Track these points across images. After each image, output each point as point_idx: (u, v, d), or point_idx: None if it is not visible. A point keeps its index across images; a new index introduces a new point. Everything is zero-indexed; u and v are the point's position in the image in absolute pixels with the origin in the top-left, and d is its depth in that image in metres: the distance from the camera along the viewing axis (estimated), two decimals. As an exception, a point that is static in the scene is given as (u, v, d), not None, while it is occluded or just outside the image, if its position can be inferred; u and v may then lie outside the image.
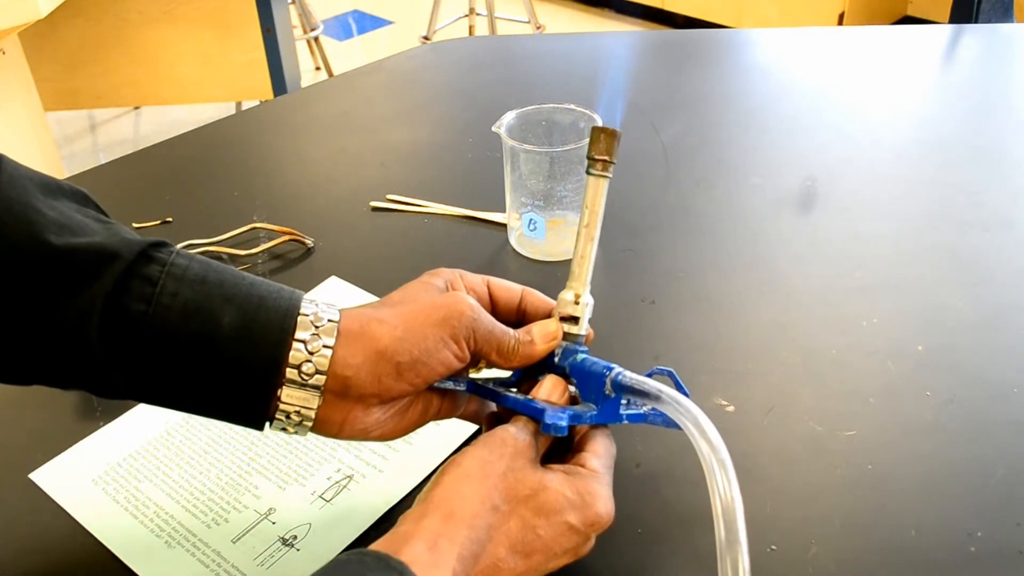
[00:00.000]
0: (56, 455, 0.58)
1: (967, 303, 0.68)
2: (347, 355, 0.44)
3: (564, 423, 0.45)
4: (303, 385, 0.44)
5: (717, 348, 0.65)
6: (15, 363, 0.43)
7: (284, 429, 0.46)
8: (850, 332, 0.65)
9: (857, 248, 0.75)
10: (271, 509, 0.54)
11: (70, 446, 0.58)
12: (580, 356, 0.49)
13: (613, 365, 0.48)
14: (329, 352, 0.44)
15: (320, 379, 0.44)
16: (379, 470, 0.56)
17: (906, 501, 0.52)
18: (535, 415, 0.46)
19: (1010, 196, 0.82)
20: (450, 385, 0.49)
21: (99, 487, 0.55)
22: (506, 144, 0.72)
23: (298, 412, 0.45)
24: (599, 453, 0.47)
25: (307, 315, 0.44)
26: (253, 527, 0.52)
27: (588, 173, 0.49)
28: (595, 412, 0.47)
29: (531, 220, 0.73)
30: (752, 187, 0.85)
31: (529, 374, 0.51)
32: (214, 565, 0.50)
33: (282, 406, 0.44)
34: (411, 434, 0.49)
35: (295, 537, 0.52)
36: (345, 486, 0.55)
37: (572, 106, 0.74)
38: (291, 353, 0.43)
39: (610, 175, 0.49)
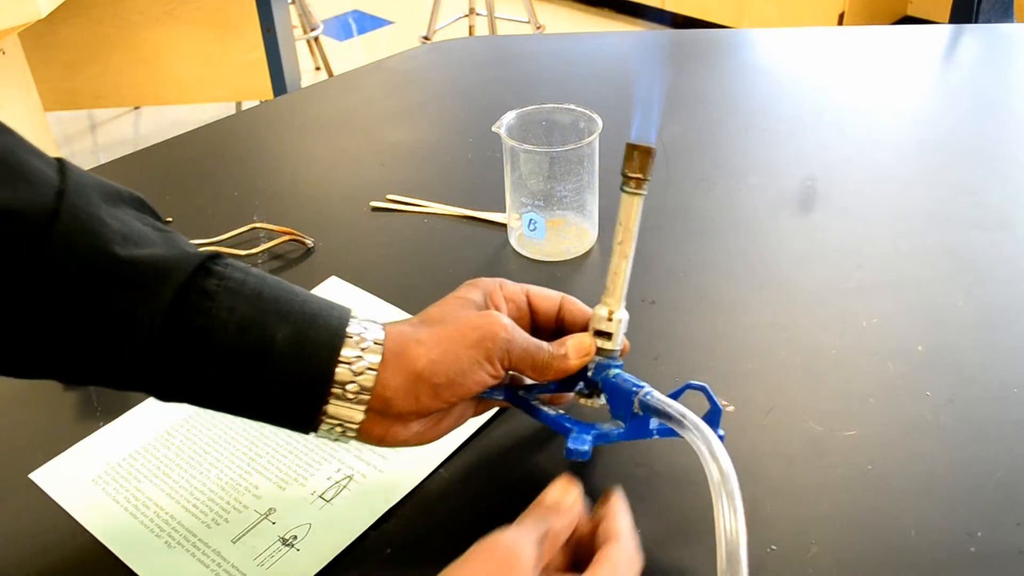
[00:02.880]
0: (56, 455, 0.58)
1: (967, 303, 0.68)
2: (387, 376, 0.46)
3: (587, 447, 0.46)
4: (348, 401, 0.45)
5: (717, 348, 0.65)
6: (74, 364, 0.44)
7: (329, 437, 0.47)
8: (850, 332, 0.65)
9: (857, 248, 0.75)
10: (271, 509, 0.54)
11: (70, 446, 0.58)
12: (613, 371, 0.50)
13: (643, 384, 0.48)
14: (374, 373, 0.45)
15: (364, 397, 0.45)
16: (379, 470, 0.56)
17: (906, 501, 0.52)
18: (563, 432, 0.47)
19: (1010, 196, 0.82)
20: (489, 396, 0.51)
21: (99, 487, 0.55)
22: (506, 144, 0.72)
23: (341, 425, 0.46)
24: (613, 561, 0.41)
25: (352, 336, 0.45)
26: (253, 527, 0.52)
27: (622, 191, 0.49)
28: (623, 430, 0.49)
29: (531, 220, 0.73)
30: (752, 187, 0.85)
31: (564, 385, 0.52)
32: (214, 565, 0.50)
33: (327, 419, 0.46)
34: (411, 434, 0.50)
35: (295, 537, 0.52)
36: (345, 486, 0.55)
37: (572, 106, 0.74)
38: (338, 371, 0.45)
39: (644, 192, 0.49)
